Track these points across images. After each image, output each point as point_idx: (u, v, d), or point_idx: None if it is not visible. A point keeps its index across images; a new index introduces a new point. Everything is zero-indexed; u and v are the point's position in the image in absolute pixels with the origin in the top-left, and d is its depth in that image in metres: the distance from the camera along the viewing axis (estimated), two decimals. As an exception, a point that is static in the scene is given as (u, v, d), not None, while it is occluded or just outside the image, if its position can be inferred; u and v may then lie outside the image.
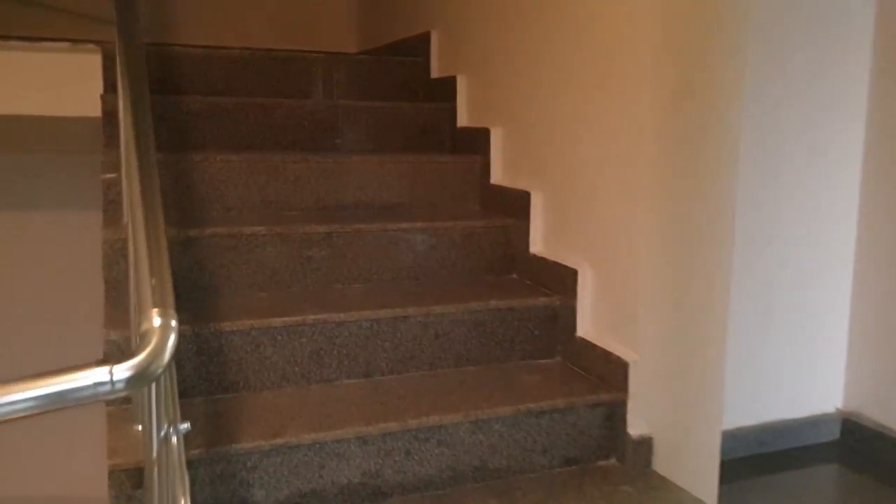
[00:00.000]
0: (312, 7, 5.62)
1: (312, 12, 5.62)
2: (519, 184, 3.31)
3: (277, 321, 2.47)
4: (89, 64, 3.21)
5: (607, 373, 2.65)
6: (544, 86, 3.08)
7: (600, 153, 2.74)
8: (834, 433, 3.18)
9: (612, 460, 2.58)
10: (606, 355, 2.66)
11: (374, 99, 4.07)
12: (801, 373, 3.10)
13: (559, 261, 2.97)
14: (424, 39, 4.16)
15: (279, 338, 2.47)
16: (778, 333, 3.03)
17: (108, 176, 2.68)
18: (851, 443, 3.11)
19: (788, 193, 2.98)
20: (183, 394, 2.37)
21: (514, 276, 3.21)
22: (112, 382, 1.06)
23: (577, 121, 2.87)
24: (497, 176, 3.47)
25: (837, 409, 3.17)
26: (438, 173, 3.42)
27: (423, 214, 3.21)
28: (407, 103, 3.85)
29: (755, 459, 3.08)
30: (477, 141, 3.57)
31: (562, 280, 2.92)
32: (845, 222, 3.06)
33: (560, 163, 3.00)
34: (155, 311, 1.24)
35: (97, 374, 1.05)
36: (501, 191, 3.38)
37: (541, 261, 3.07)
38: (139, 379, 1.10)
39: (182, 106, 3.32)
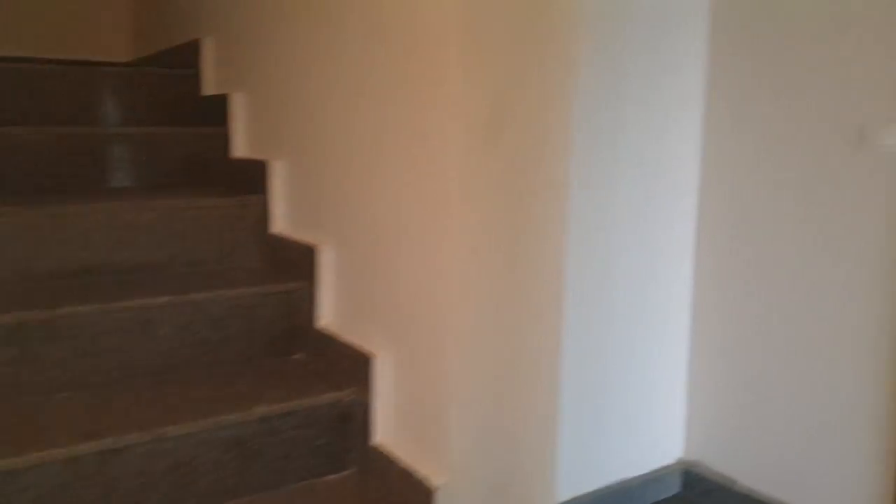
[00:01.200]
0: (80, 5, 4.61)
1: (80, 12, 4.60)
2: (306, 236, 2.60)
3: None
4: None
5: (412, 497, 2.00)
6: (335, 110, 2.39)
7: (402, 200, 2.09)
8: (676, 486, 2.77)
9: None
10: (407, 476, 2.01)
11: (127, 123, 3.21)
12: (641, 426, 2.63)
13: (353, 341, 2.29)
14: (195, 48, 3.36)
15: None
16: (613, 388, 2.54)
17: None
18: (693, 496, 2.72)
19: (620, 243, 2.49)
20: None
21: (300, 355, 2.49)
22: None
23: (373, 159, 2.20)
24: (279, 224, 2.74)
25: (679, 459, 2.77)
26: (202, 221, 2.63)
27: (173, 282, 2.42)
28: (166, 128, 3.03)
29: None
30: (256, 177, 2.82)
31: (356, 367, 2.24)
32: (682, 263, 2.61)
33: (355, 211, 2.33)
34: None
35: None
36: (284, 244, 2.65)
37: (330, 339, 2.38)
38: None
39: None
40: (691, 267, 2.66)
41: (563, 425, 2.35)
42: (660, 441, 2.73)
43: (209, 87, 3.29)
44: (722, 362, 2.62)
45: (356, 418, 2.21)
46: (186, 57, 3.43)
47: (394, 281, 2.16)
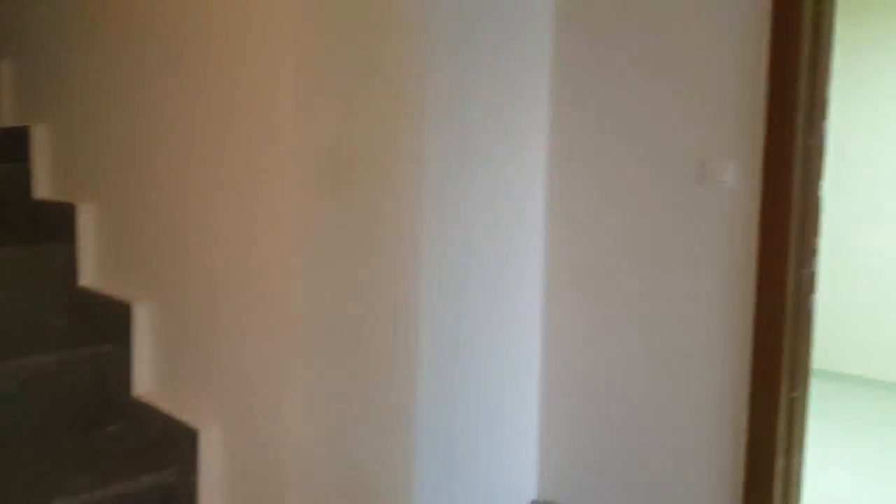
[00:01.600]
0: None
1: None
2: (120, 290, 2.31)
3: None
4: None
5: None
6: (157, 149, 2.14)
7: (233, 251, 1.88)
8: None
9: None
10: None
11: None
12: (493, 470, 2.55)
13: (175, 413, 2.04)
14: (-11, 72, 2.95)
15: None
16: (466, 436, 2.44)
17: None
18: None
19: (472, 290, 2.40)
20: None
21: (115, 428, 2.20)
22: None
23: (201, 204, 1.97)
24: (89, 276, 2.43)
25: (533, 501, 2.72)
26: (-6, 275, 2.28)
27: (-45, 351, 2.06)
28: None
29: None
30: (62, 222, 2.48)
31: (180, 442, 1.99)
32: (528, 305, 2.56)
33: (177, 262, 2.08)
34: None
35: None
36: (95, 299, 2.35)
37: (150, 410, 2.11)
38: None
39: None
40: (540, 312, 2.61)
41: (418, 481, 2.22)
42: (513, 483, 2.65)
43: (6, 118, 2.89)
44: (573, 402, 2.58)
45: (181, 502, 1.95)
46: (-21, 81, 3.01)
47: (223, 342, 1.94)
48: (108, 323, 2.26)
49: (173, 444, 1.99)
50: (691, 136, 2.21)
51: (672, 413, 2.32)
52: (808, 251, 2.11)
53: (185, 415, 2.01)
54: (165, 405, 2.07)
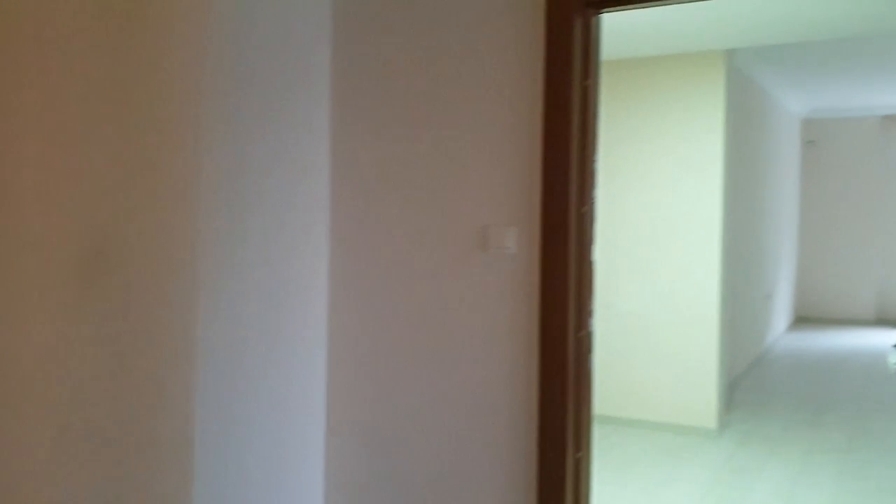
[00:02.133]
0: None
1: None
2: None
3: None
4: None
5: None
6: None
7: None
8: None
9: None
10: None
11: None
12: None
13: None
14: None
15: None
16: (248, 480, 2.24)
17: None
18: None
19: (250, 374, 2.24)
20: None
21: None
22: None
23: None
24: None
25: None
26: None
27: None
28: None
29: None
30: None
31: None
32: (310, 402, 2.44)
33: None
34: None
35: None
36: None
37: None
38: None
39: None
40: (324, 395, 2.49)
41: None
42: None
43: None
44: (360, 466, 2.48)
45: None
46: None
47: None
48: None
49: None
50: (475, 203, 2.24)
51: (461, 476, 2.29)
52: (585, 314, 2.19)
53: None
54: None
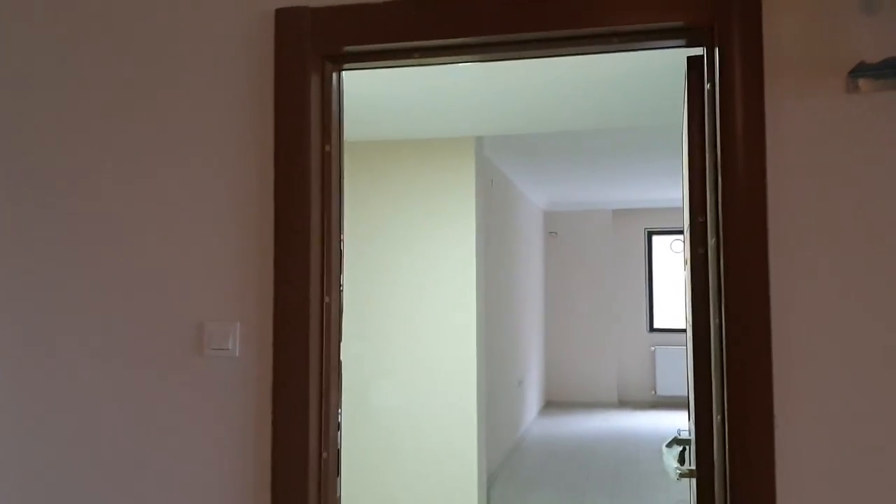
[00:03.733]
0: None
1: None
2: None
3: None
4: None
5: None
6: None
7: None
8: None
9: None
10: None
11: None
12: None
13: None
14: None
15: None
16: None
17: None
18: None
19: None
20: None
21: None
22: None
23: None
24: None
25: None
26: None
27: None
28: None
29: None
30: None
31: None
32: None
33: None
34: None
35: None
36: None
37: None
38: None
39: None
40: None
41: None
42: None
43: None
44: None
45: None
46: None
47: None
48: None
49: None
50: (186, 294, 1.77)
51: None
52: (330, 428, 1.78)
53: None
54: None
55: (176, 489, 1.75)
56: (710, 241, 1.60)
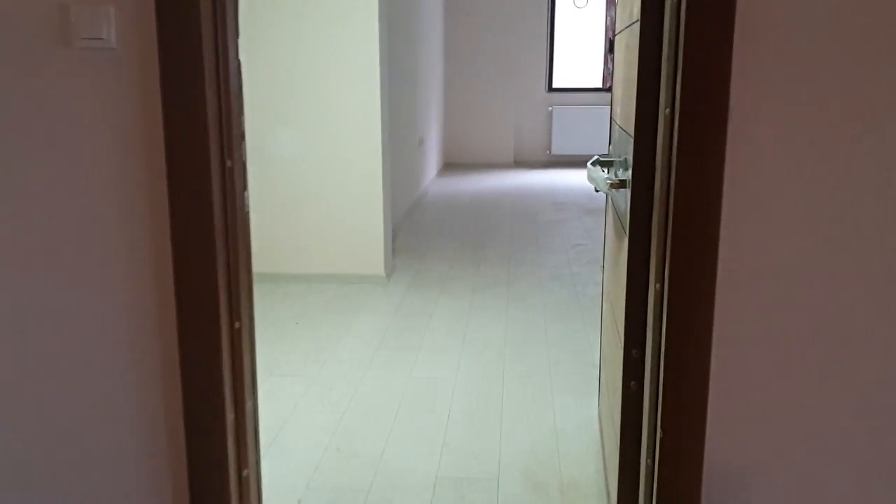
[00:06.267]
0: None
1: None
2: None
3: None
4: None
5: None
6: None
7: None
8: None
9: None
10: None
11: None
12: None
13: None
14: None
15: None
16: None
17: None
18: None
19: None
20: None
21: None
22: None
23: None
24: None
25: None
26: None
27: None
28: None
29: None
30: None
31: None
32: None
33: None
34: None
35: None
36: None
37: None
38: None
39: None
40: None
41: None
42: None
43: None
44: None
45: None
46: None
47: None
48: None
49: None
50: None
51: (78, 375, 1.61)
52: (234, 136, 1.56)
53: None
54: None
55: (58, 205, 1.53)
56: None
